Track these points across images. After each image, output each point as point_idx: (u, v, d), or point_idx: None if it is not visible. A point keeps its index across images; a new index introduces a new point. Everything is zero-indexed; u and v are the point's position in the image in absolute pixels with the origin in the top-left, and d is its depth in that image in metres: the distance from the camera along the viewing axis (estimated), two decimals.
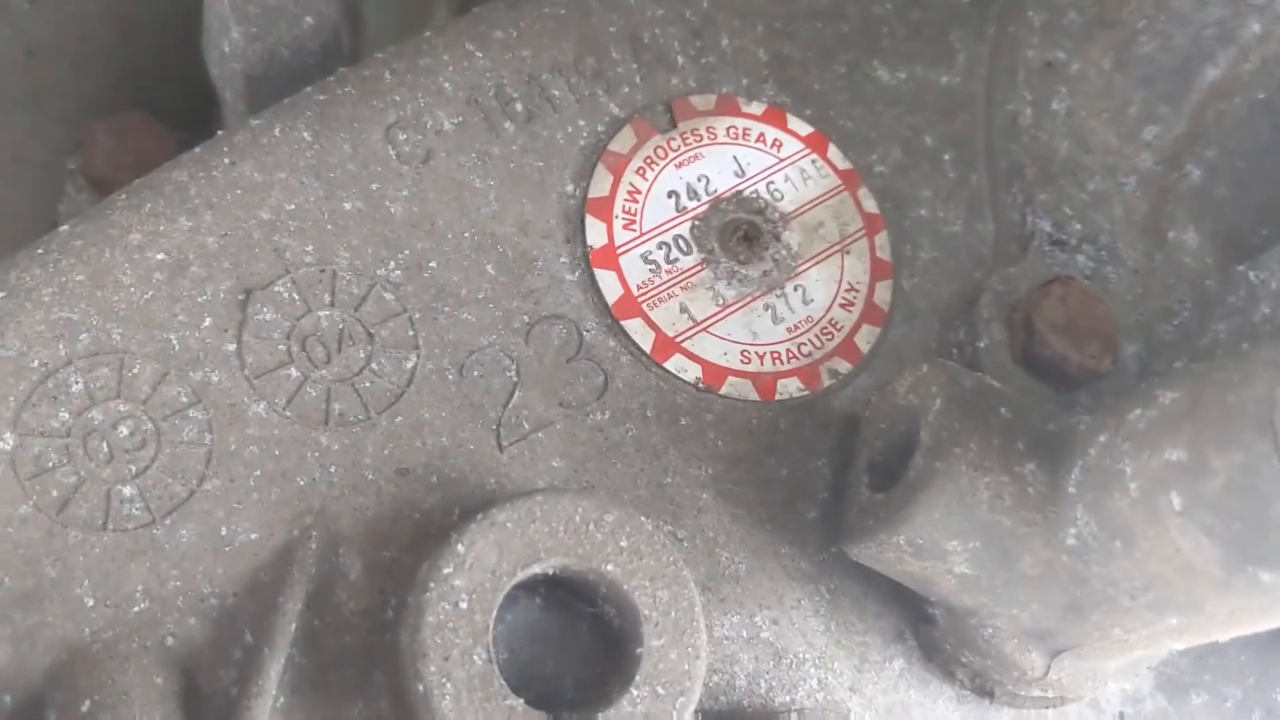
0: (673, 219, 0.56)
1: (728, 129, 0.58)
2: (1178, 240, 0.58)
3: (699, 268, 0.56)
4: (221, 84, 0.61)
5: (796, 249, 0.57)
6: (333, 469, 0.48)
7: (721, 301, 0.55)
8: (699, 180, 0.57)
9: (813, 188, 0.58)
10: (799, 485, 0.53)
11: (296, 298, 0.50)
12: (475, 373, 0.51)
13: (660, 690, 0.45)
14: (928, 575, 0.48)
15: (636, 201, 0.56)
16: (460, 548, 0.44)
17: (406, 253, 0.52)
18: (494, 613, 0.44)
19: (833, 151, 0.59)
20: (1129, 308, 0.57)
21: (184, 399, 0.48)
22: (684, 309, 0.55)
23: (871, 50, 0.62)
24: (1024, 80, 0.61)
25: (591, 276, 0.54)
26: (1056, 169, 0.59)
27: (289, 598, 0.45)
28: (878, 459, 0.51)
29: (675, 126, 0.58)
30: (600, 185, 0.56)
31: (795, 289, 0.56)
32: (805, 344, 0.56)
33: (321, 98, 0.54)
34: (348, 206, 0.52)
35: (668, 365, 0.54)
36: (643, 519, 0.47)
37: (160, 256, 0.49)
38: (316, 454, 0.48)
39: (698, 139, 0.58)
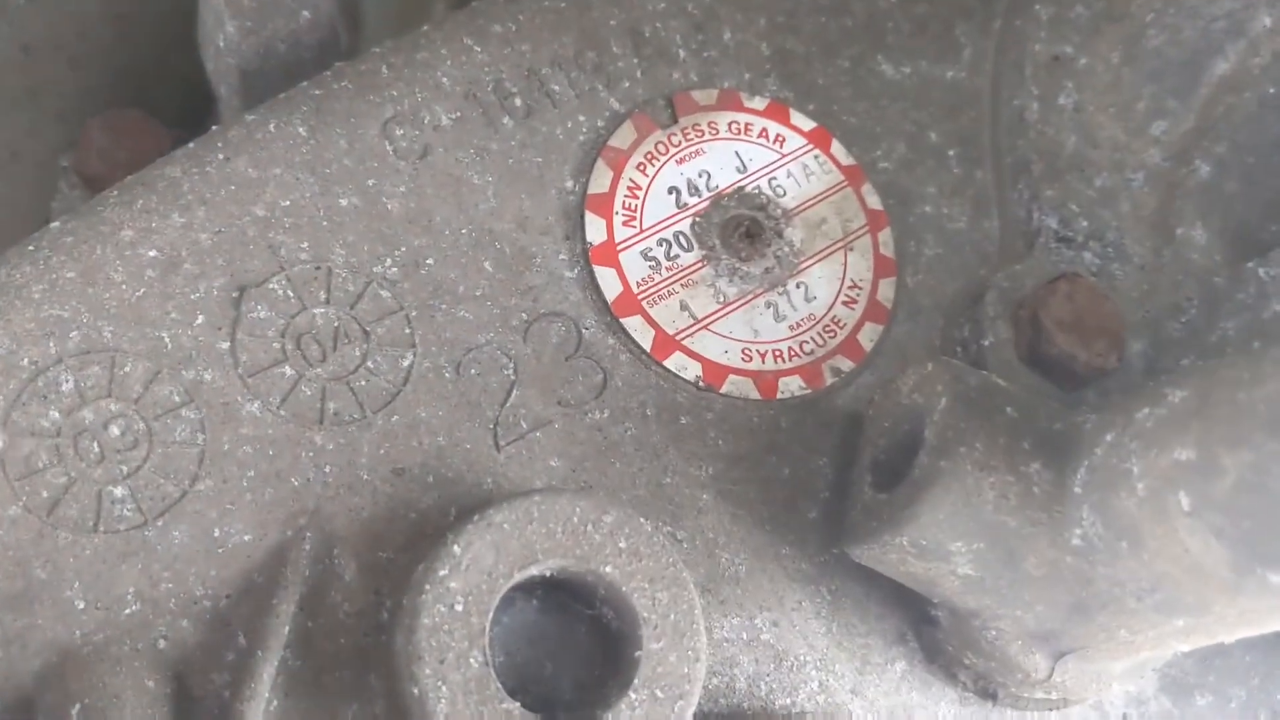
0: (673, 215, 0.55)
1: (729, 124, 0.57)
2: (1186, 236, 0.57)
3: (700, 265, 0.55)
4: (216, 79, 0.60)
5: (799, 246, 0.56)
6: (328, 469, 0.48)
7: (722, 299, 0.55)
8: (700, 176, 0.56)
9: (815, 184, 0.57)
10: (800, 485, 0.53)
11: (291, 295, 0.49)
12: (473, 371, 0.51)
13: (659, 693, 0.44)
14: (931, 576, 0.48)
15: (637, 197, 0.55)
16: (456, 549, 0.44)
17: (403, 249, 0.51)
18: (490, 615, 0.43)
19: (836, 147, 0.58)
20: (1136, 305, 0.56)
21: (176, 398, 0.47)
22: (684, 306, 0.54)
23: (876, 45, 0.61)
24: (1031, 75, 0.60)
25: (591, 273, 0.53)
26: (1063, 165, 0.59)
27: (283, 599, 0.45)
28: (881, 458, 0.50)
29: (676, 122, 0.57)
30: (600, 181, 0.55)
31: (797, 286, 0.56)
32: (807, 342, 0.55)
33: (317, 93, 0.53)
34: (344, 203, 0.52)
35: (667, 363, 0.53)
36: (642, 520, 0.46)
37: (152, 253, 0.49)
38: (311, 454, 0.48)
39: (699, 134, 0.57)
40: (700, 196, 0.56)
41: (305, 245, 0.50)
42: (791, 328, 0.55)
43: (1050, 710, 0.51)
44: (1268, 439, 0.39)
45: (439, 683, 0.42)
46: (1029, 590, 0.47)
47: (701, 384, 0.53)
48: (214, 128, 0.53)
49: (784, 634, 0.50)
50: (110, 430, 0.46)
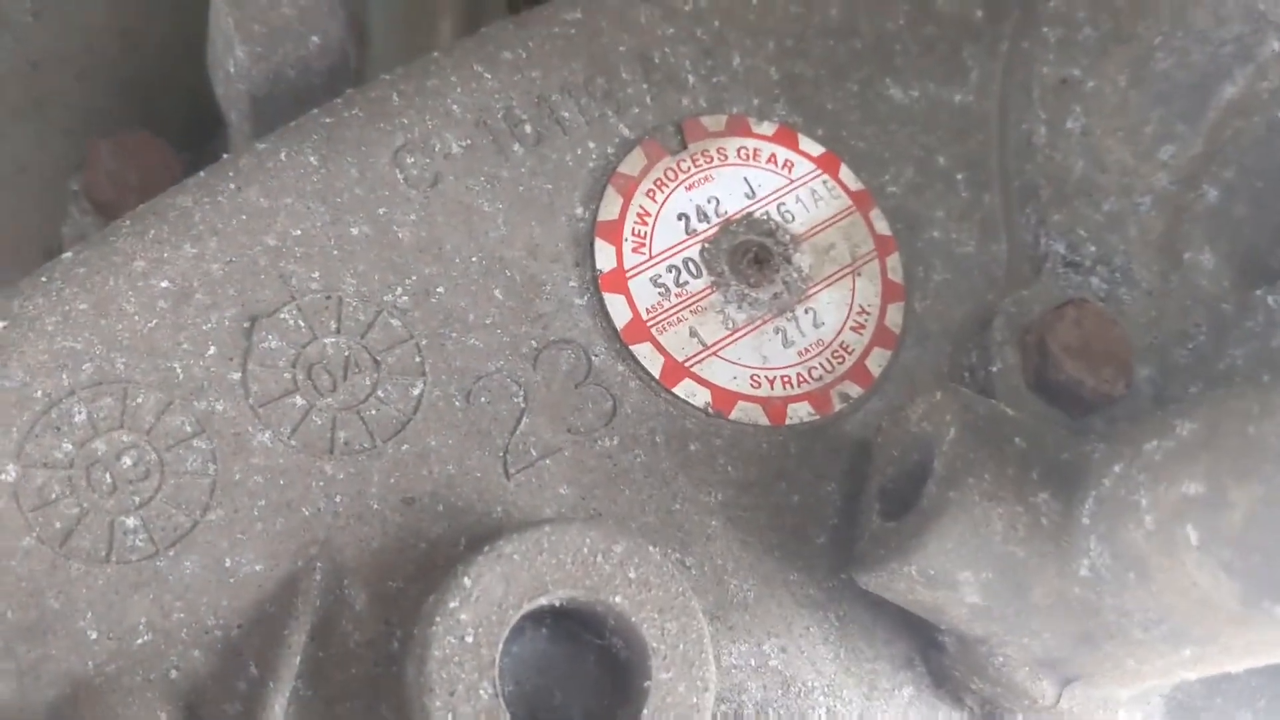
0: (682, 242, 0.56)
1: (738, 150, 0.58)
2: (1193, 261, 0.57)
3: (709, 291, 0.55)
4: (226, 104, 0.60)
5: (807, 271, 0.56)
6: (338, 498, 0.48)
7: (731, 325, 0.55)
8: (709, 202, 0.56)
9: (824, 209, 0.58)
10: (809, 511, 0.53)
11: (302, 325, 0.50)
12: (482, 399, 0.51)
13: None
14: (939, 604, 0.48)
15: (646, 224, 0.55)
16: (466, 581, 0.44)
17: (414, 278, 0.52)
18: (500, 646, 0.43)
19: (844, 172, 0.58)
20: (1143, 330, 0.56)
21: (188, 429, 0.47)
22: (694, 333, 0.54)
23: (884, 68, 0.61)
24: (1039, 98, 0.60)
25: (600, 300, 0.54)
26: (1071, 189, 0.59)
27: (294, 629, 0.45)
28: (889, 486, 0.51)
29: (686, 148, 0.57)
30: (610, 208, 0.55)
31: (806, 312, 0.56)
32: (816, 368, 0.55)
33: (328, 120, 0.53)
34: (354, 231, 0.52)
35: (677, 390, 0.53)
36: (651, 549, 0.46)
37: (164, 284, 0.49)
38: (322, 483, 0.48)
39: (708, 160, 0.57)
40: (709, 223, 0.56)
41: (316, 274, 0.51)
42: (800, 353, 0.55)
43: None
44: (1276, 473, 0.39)
45: (449, 715, 0.42)
46: (1036, 619, 0.47)
47: (711, 410, 0.53)
48: (225, 156, 0.53)
49: (792, 660, 0.50)
50: (122, 461, 0.47)
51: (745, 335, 0.55)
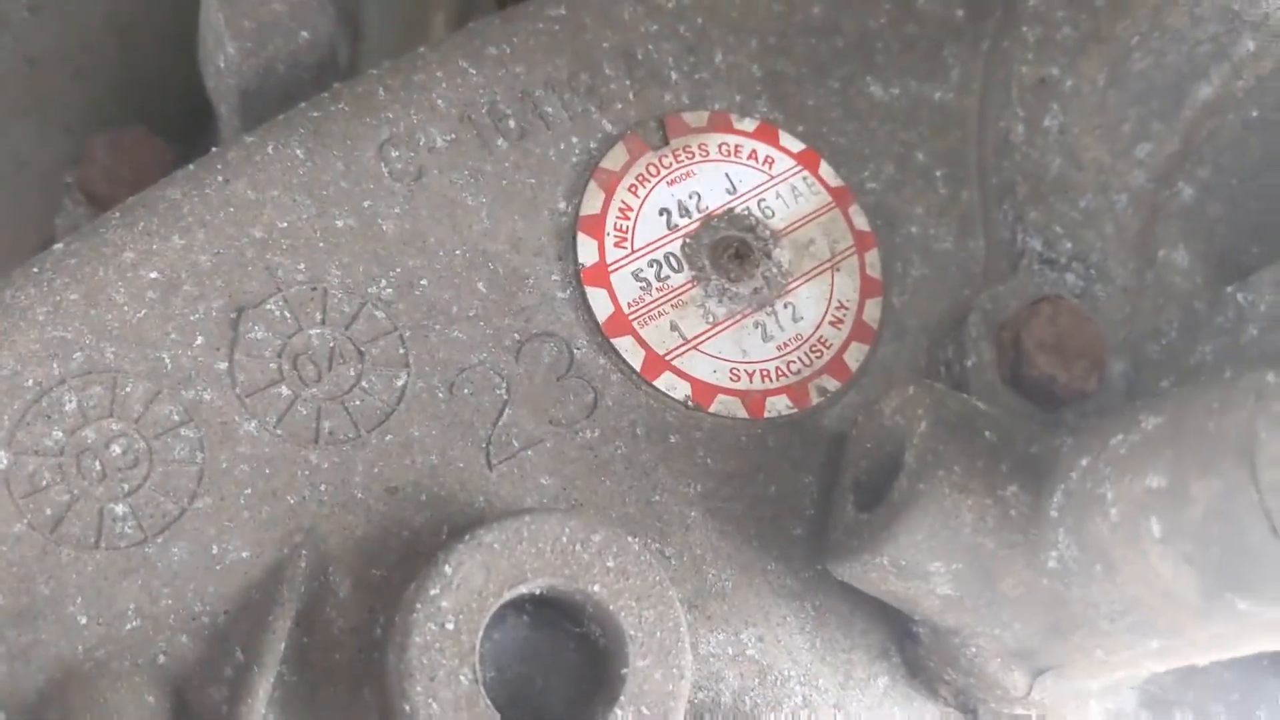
0: (664, 236, 0.56)
1: (720, 146, 0.58)
2: (1168, 259, 0.58)
3: (690, 285, 0.56)
4: (217, 98, 0.61)
5: (787, 266, 0.57)
6: (323, 487, 0.49)
7: (712, 319, 0.56)
8: (690, 197, 0.57)
9: (804, 205, 0.58)
10: (787, 503, 0.54)
11: (288, 316, 0.51)
12: (465, 390, 0.52)
13: (644, 710, 0.45)
14: (911, 595, 0.49)
15: (628, 219, 0.56)
16: (447, 569, 0.45)
17: (398, 270, 0.53)
18: (480, 634, 0.44)
19: (824, 168, 0.59)
20: (1117, 326, 0.57)
21: (176, 417, 0.48)
22: (674, 327, 0.55)
23: (866, 66, 0.62)
24: (1017, 96, 0.61)
25: (583, 294, 0.55)
26: (1048, 186, 0.59)
27: (279, 615, 0.46)
28: (863, 478, 0.52)
29: (668, 143, 0.58)
30: (592, 202, 0.56)
31: (785, 306, 0.57)
32: (794, 362, 0.56)
33: (315, 114, 0.54)
34: (340, 224, 0.53)
35: (657, 383, 0.54)
36: (630, 539, 0.47)
37: (153, 275, 0.50)
38: (307, 472, 0.49)
39: (690, 156, 0.58)
40: (691, 218, 0.57)
41: (302, 266, 0.51)
42: (779, 348, 0.56)
43: None
44: (1235, 468, 0.40)
45: (430, 700, 0.43)
46: (1006, 610, 0.48)
47: (690, 403, 0.54)
48: (213, 150, 0.54)
49: (769, 649, 0.51)
50: (112, 449, 0.47)
51: (725, 329, 0.56)
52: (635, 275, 0.55)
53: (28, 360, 0.48)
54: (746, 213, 0.58)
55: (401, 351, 0.52)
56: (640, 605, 0.46)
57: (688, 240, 0.57)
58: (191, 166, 0.53)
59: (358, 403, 0.50)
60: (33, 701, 0.44)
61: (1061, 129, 0.60)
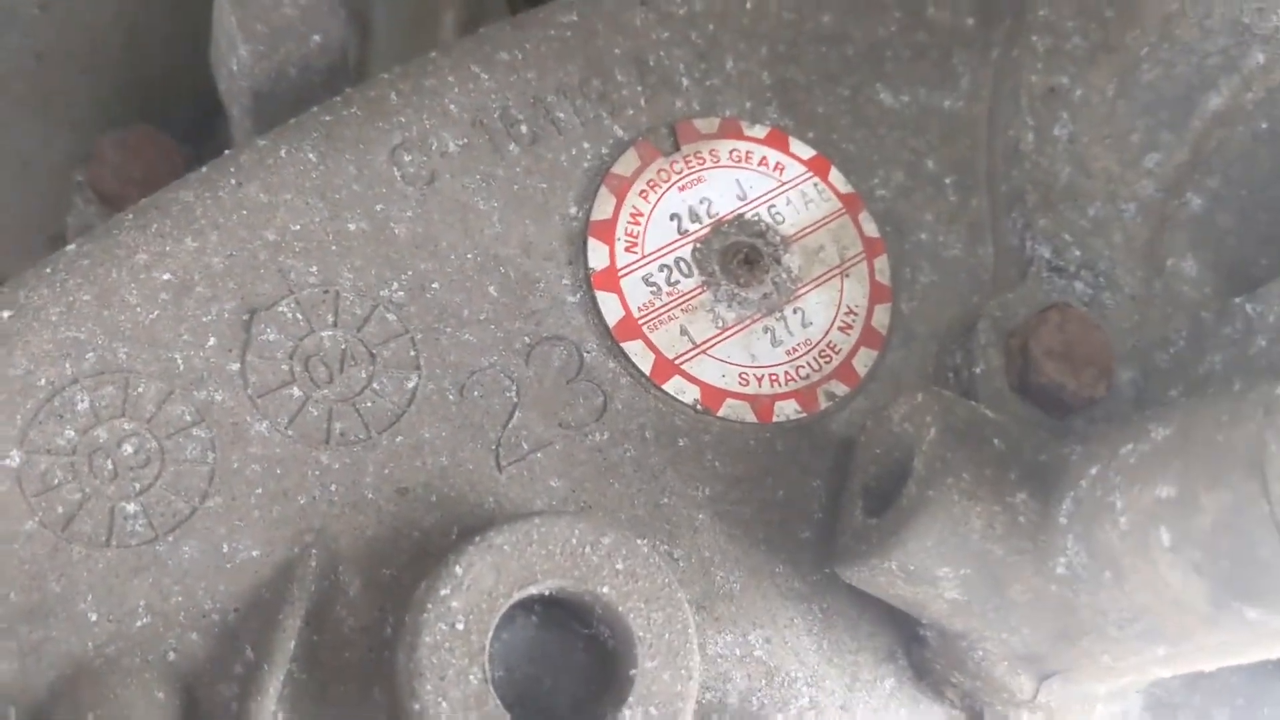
0: (674, 241, 0.57)
1: (730, 152, 0.59)
2: (1176, 268, 0.58)
3: (700, 290, 0.56)
4: (229, 100, 0.61)
5: (797, 272, 0.57)
6: (333, 488, 0.49)
7: (721, 324, 0.56)
8: (701, 203, 0.57)
9: (814, 211, 0.59)
10: (795, 506, 0.54)
11: (300, 318, 0.51)
12: (476, 393, 0.52)
13: (653, 711, 0.45)
14: (919, 599, 0.49)
15: (639, 224, 0.56)
16: (458, 570, 0.45)
17: (410, 274, 0.53)
18: (490, 634, 0.45)
19: (834, 175, 0.60)
20: (1125, 335, 0.57)
21: (188, 418, 0.49)
22: (684, 331, 0.55)
23: (875, 73, 0.62)
24: (1027, 105, 0.61)
25: (593, 298, 0.55)
26: (1057, 195, 0.60)
27: (289, 614, 0.46)
28: (872, 484, 0.52)
29: (678, 149, 0.58)
30: (603, 208, 0.56)
31: (794, 312, 0.57)
32: (803, 366, 0.56)
33: (327, 118, 0.55)
34: (352, 227, 0.53)
35: (667, 387, 0.54)
36: (639, 541, 0.47)
37: (166, 277, 0.50)
38: (317, 473, 0.49)
39: (700, 162, 0.58)
40: (701, 223, 0.57)
41: (314, 269, 0.52)
42: (788, 353, 0.56)
43: None
44: (1245, 480, 0.40)
45: (439, 699, 0.43)
46: (1014, 615, 0.48)
47: (699, 407, 0.54)
48: (226, 152, 0.54)
49: (776, 650, 0.52)
50: (124, 448, 0.48)
51: (735, 334, 0.56)
52: (645, 280, 0.56)
53: (40, 360, 0.48)
54: (757, 218, 0.58)
55: (413, 354, 0.52)
56: (649, 607, 0.46)
57: (698, 245, 0.57)
58: (204, 169, 0.53)
59: (369, 404, 0.51)
60: (44, 698, 0.44)
61: (1071, 138, 0.61)
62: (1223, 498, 0.41)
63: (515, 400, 0.52)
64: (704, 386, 0.55)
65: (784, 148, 0.59)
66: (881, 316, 0.58)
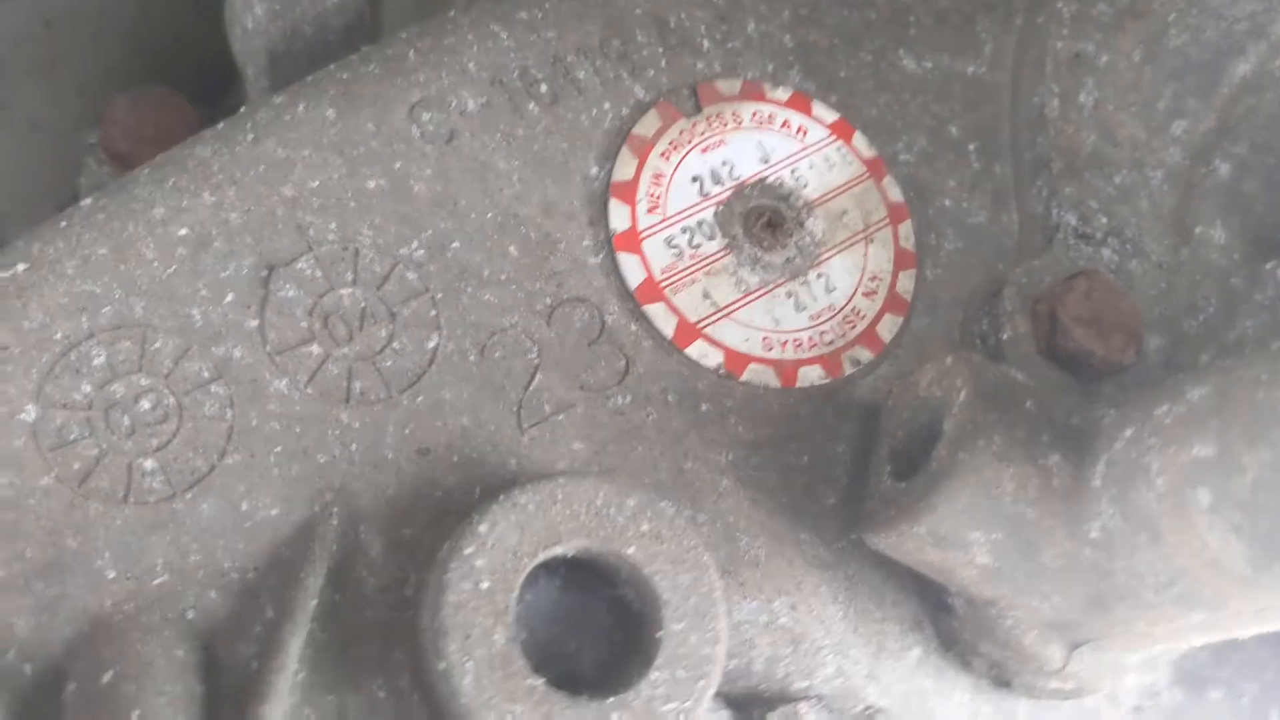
0: (696, 204, 0.56)
1: (753, 114, 0.58)
2: (1204, 235, 0.58)
3: (722, 253, 0.55)
4: (244, 60, 0.60)
5: (820, 236, 0.57)
6: (353, 446, 0.48)
7: (745, 288, 0.55)
8: (723, 165, 0.57)
9: (837, 175, 0.58)
10: (819, 472, 0.53)
11: (319, 275, 0.50)
12: (497, 354, 0.51)
13: (680, 673, 0.44)
14: (949, 565, 0.48)
15: (660, 185, 0.56)
16: (482, 528, 0.44)
17: (429, 232, 0.52)
18: (515, 593, 0.44)
19: (858, 139, 0.59)
20: (1153, 302, 0.57)
21: (205, 374, 0.48)
22: (707, 294, 0.54)
23: (898, 38, 0.61)
24: (1051, 71, 0.61)
25: (614, 260, 0.54)
26: (1083, 162, 0.59)
27: (310, 573, 0.45)
28: (899, 449, 0.51)
29: (700, 111, 0.57)
30: (624, 168, 0.55)
31: (818, 277, 0.56)
32: (827, 332, 0.55)
33: (345, 76, 0.54)
34: (371, 185, 0.52)
35: (689, 351, 0.53)
36: (664, 503, 0.46)
37: (183, 231, 0.49)
38: (337, 431, 0.48)
39: (722, 124, 0.57)
40: (723, 186, 0.56)
41: (333, 226, 0.51)
42: (812, 318, 0.55)
43: (1064, 699, 0.52)
44: None
45: (465, 658, 0.43)
46: (1047, 581, 0.47)
47: (722, 371, 0.53)
48: (243, 108, 0.53)
49: (801, 618, 0.51)
50: (141, 404, 0.47)
51: (758, 298, 0.55)
52: (668, 242, 0.55)
53: (56, 313, 0.47)
54: (779, 182, 0.57)
55: (433, 313, 0.51)
56: (675, 569, 0.46)
57: (720, 208, 0.56)
58: (221, 125, 0.52)
59: (389, 363, 0.50)
60: (60, 654, 0.43)
61: (1096, 104, 0.60)
62: (1263, 456, 0.40)
63: (537, 361, 0.51)
64: (727, 351, 0.54)
65: (807, 111, 0.59)
66: (906, 283, 0.57)
